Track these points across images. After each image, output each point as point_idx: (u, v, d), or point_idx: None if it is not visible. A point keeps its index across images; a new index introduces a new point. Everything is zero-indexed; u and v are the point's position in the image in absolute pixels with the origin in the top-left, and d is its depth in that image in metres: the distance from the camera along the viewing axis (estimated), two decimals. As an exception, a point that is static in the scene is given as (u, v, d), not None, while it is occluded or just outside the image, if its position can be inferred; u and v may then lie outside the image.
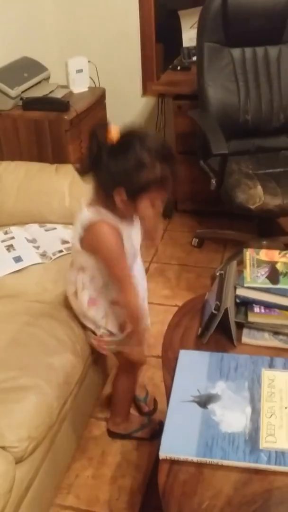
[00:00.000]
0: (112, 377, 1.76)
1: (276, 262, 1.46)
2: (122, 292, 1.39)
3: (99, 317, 1.48)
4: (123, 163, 1.20)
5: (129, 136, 1.22)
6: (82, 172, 1.29)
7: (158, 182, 1.23)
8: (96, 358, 1.64)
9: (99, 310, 1.47)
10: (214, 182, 2.24)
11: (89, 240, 1.34)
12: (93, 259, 1.38)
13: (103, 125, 1.22)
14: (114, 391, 1.70)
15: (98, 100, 2.63)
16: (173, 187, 1.28)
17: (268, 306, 1.36)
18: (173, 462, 1.07)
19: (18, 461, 1.24)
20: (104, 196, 1.28)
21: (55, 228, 1.97)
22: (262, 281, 1.39)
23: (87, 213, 1.32)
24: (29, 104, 2.37)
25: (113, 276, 1.38)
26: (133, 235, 1.39)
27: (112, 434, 1.72)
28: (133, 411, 1.77)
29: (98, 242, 1.33)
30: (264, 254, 1.49)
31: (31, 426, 1.27)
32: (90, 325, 1.52)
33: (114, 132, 1.21)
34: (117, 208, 1.28)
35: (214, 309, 1.30)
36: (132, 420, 1.73)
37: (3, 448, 1.22)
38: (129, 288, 1.38)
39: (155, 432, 1.68)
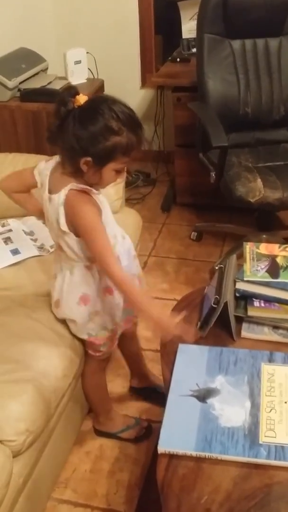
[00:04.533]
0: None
1: (276, 256, 1.45)
2: (107, 267, 1.26)
3: (87, 314, 1.42)
4: (90, 127, 1.18)
5: (98, 102, 1.21)
6: (51, 140, 1.25)
7: (124, 149, 1.21)
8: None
9: (89, 307, 1.40)
10: (213, 175, 2.23)
11: (69, 214, 1.25)
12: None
13: (71, 90, 1.20)
14: (84, 392, 1.62)
15: (96, 92, 2.60)
16: (137, 156, 1.26)
17: (268, 300, 1.35)
18: (171, 457, 1.06)
19: (16, 455, 1.23)
20: (70, 166, 1.25)
21: (53, 221, 1.96)
22: (262, 275, 1.38)
23: (62, 192, 1.26)
24: (27, 95, 2.36)
25: (95, 248, 1.26)
26: (105, 203, 1.34)
27: (97, 432, 1.70)
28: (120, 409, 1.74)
29: (78, 211, 1.24)
30: (264, 248, 1.48)
31: (29, 419, 1.26)
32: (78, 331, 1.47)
33: (82, 99, 1.20)
34: (85, 177, 1.25)
35: (214, 303, 1.29)
36: (116, 420, 1.68)
37: (1, 441, 1.21)
38: (112, 260, 1.26)
39: (141, 435, 1.66)
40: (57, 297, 1.45)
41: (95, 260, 1.34)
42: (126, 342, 1.67)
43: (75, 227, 1.28)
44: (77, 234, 1.29)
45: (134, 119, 1.23)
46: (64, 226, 1.28)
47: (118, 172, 1.25)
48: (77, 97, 1.19)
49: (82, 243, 1.31)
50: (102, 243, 1.26)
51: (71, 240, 1.31)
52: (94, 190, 1.27)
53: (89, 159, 1.20)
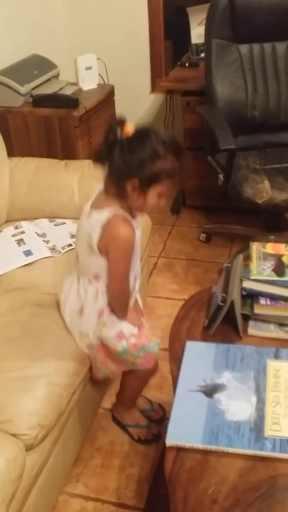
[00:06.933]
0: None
1: (282, 255, 1.47)
2: (122, 286, 1.41)
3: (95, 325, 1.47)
4: (139, 152, 1.25)
5: (146, 130, 1.29)
6: (98, 163, 1.32)
7: (168, 173, 1.29)
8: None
9: (101, 320, 1.46)
10: (221, 177, 2.25)
11: (106, 236, 1.33)
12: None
13: (120, 119, 1.28)
14: (127, 384, 1.68)
15: (107, 97, 2.65)
16: (179, 181, 1.33)
17: (274, 298, 1.38)
18: (179, 450, 1.09)
19: (28, 448, 1.27)
20: (116, 189, 1.31)
21: (64, 223, 2.00)
22: (268, 273, 1.41)
23: (105, 213, 1.33)
24: (39, 101, 2.40)
25: (116, 273, 1.38)
26: (138, 233, 1.41)
27: (113, 418, 1.76)
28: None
29: (116, 236, 1.32)
30: (270, 247, 1.51)
31: (41, 414, 1.30)
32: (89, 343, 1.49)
33: (130, 127, 1.27)
34: (128, 200, 1.32)
35: (221, 301, 1.32)
36: (132, 414, 1.72)
37: (14, 435, 1.25)
38: (127, 288, 1.42)
39: (147, 439, 1.69)
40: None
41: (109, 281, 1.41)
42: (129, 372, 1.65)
43: (108, 248, 1.35)
44: (102, 253, 1.37)
45: (178, 145, 1.32)
46: (95, 246, 1.35)
47: (160, 195, 1.32)
48: (125, 126, 1.27)
49: (100, 262, 1.38)
50: (124, 271, 1.39)
51: (100, 261, 1.38)
52: (132, 222, 1.35)
53: (136, 181, 1.27)
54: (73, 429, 1.53)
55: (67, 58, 2.87)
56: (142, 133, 1.28)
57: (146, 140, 1.26)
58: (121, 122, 1.27)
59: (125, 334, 1.46)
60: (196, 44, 3.00)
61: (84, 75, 2.61)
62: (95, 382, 1.59)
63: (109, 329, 1.46)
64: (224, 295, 1.32)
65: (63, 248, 1.86)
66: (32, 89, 2.43)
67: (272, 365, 1.25)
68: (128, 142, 1.26)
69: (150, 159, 1.25)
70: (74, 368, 1.45)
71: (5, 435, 1.25)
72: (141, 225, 1.47)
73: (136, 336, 1.48)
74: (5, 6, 2.53)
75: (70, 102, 2.39)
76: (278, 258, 1.46)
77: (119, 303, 1.45)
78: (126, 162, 1.26)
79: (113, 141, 1.26)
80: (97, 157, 1.32)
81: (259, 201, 2.11)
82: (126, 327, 1.47)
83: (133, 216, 1.37)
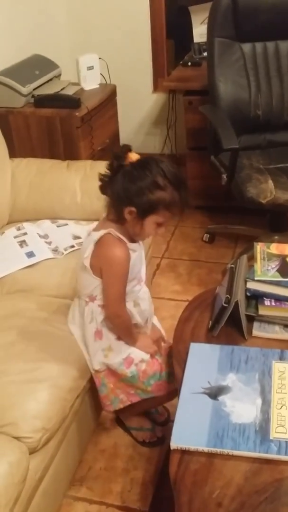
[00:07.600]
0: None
1: (286, 256, 1.46)
2: (115, 311, 1.40)
3: (101, 349, 1.46)
4: (139, 181, 1.27)
5: (148, 159, 1.30)
6: (103, 190, 1.34)
7: (167, 204, 1.29)
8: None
9: (103, 343, 1.45)
10: (225, 177, 2.24)
11: (98, 253, 1.35)
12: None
13: (125, 148, 1.30)
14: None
15: (109, 97, 2.64)
16: (180, 214, 1.33)
17: (279, 299, 1.37)
18: (184, 452, 1.08)
19: (32, 451, 1.26)
20: (115, 214, 1.33)
21: (66, 224, 1.99)
22: (272, 274, 1.40)
23: (100, 232, 1.34)
24: (41, 101, 2.40)
25: (110, 293, 1.38)
26: (136, 260, 1.41)
27: (116, 419, 1.74)
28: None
29: (108, 255, 1.34)
30: (274, 248, 1.50)
31: (45, 417, 1.29)
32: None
33: (134, 155, 1.29)
34: (126, 226, 1.33)
35: (225, 302, 1.31)
36: (135, 418, 1.71)
37: (18, 438, 1.25)
38: (122, 306, 1.40)
39: (150, 442, 1.67)
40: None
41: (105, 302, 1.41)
42: None
43: (100, 267, 1.35)
44: (95, 272, 1.37)
45: (179, 178, 1.32)
46: (86, 261, 1.36)
47: (158, 225, 1.33)
48: (130, 154, 1.28)
49: (93, 281, 1.39)
50: (116, 292, 1.38)
51: (95, 281, 1.38)
52: (128, 243, 1.35)
53: (133, 209, 1.28)
54: (77, 432, 1.52)
55: (68, 58, 2.86)
56: (144, 163, 1.29)
57: (147, 170, 1.27)
58: (127, 149, 1.29)
59: (134, 359, 1.46)
60: (198, 43, 3.00)
61: (86, 75, 2.61)
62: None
63: (115, 354, 1.45)
64: (228, 296, 1.32)
65: (65, 249, 1.85)
66: (34, 89, 2.43)
67: (277, 366, 1.24)
68: (130, 170, 1.27)
69: (148, 188, 1.26)
70: (78, 372, 1.44)
71: (9, 438, 1.24)
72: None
73: (148, 363, 1.47)
74: (6, 6, 2.53)
75: (72, 102, 2.38)
76: (283, 258, 1.45)
77: (116, 327, 1.44)
78: (126, 189, 1.27)
79: (116, 168, 1.28)
80: (102, 183, 1.33)
81: (263, 201, 2.10)
82: (135, 352, 1.46)
83: (132, 240, 1.38)
